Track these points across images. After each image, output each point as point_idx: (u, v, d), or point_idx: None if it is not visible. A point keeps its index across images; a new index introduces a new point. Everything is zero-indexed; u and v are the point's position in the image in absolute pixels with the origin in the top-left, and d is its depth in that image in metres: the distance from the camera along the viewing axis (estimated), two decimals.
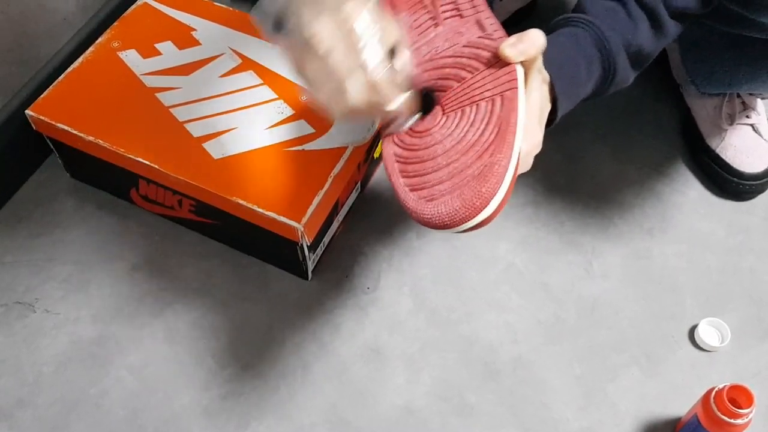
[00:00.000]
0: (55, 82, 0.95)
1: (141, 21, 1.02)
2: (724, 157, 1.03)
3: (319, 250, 0.95)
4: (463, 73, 0.63)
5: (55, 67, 1.02)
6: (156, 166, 0.88)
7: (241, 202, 0.86)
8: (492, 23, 0.66)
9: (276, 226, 0.86)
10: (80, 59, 0.98)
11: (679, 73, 1.11)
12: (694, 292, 0.96)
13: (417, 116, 0.64)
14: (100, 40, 1.00)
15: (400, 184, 0.62)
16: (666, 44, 0.76)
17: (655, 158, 1.08)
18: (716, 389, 0.76)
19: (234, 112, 0.93)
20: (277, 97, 0.95)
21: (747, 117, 1.04)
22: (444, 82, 0.64)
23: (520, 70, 0.61)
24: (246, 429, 0.85)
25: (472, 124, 0.60)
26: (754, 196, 1.05)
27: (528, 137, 0.61)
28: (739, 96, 1.05)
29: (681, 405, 0.86)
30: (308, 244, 0.88)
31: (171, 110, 0.93)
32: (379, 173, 1.05)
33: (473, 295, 0.95)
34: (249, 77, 0.97)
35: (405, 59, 0.60)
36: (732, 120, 1.04)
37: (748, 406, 0.74)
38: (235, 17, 1.03)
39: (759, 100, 1.06)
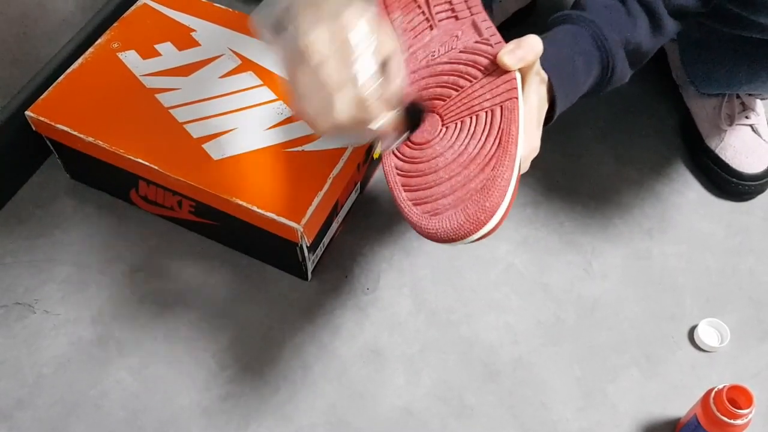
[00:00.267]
0: (55, 83, 0.95)
1: (141, 22, 1.02)
2: (723, 158, 1.03)
3: (319, 251, 0.95)
4: (462, 82, 0.63)
5: (55, 68, 1.02)
6: (156, 167, 0.88)
7: (241, 202, 0.86)
8: (488, 27, 0.65)
9: (275, 227, 0.86)
10: (80, 60, 0.98)
11: (678, 73, 1.11)
12: (694, 292, 0.96)
13: (405, 136, 0.63)
14: (99, 41, 1.00)
15: (403, 199, 0.61)
16: (664, 42, 0.76)
17: (654, 159, 1.08)
18: (716, 390, 0.76)
19: (233, 113, 0.93)
20: (276, 98, 0.95)
21: (746, 117, 1.04)
22: (442, 90, 0.64)
23: (518, 78, 0.61)
24: (246, 430, 0.85)
25: (472, 136, 0.60)
26: (753, 197, 1.05)
27: (527, 141, 0.61)
28: (738, 96, 1.05)
29: (680, 405, 0.86)
30: (308, 244, 0.88)
31: (171, 111, 0.93)
32: (378, 174, 1.05)
33: (473, 296, 0.95)
34: (249, 78, 0.97)
35: (397, 73, 0.59)
36: (731, 120, 1.04)
37: (748, 407, 0.74)
38: (235, 18, 1.03)
39: (758, 101, 1.06)
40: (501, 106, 0.60)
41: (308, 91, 0.57)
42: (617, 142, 1.10)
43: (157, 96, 0.95)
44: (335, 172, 0.88)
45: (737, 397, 0.75)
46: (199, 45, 1.00)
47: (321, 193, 0.86)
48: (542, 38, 0.62)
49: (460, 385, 0.88)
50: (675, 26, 0.75)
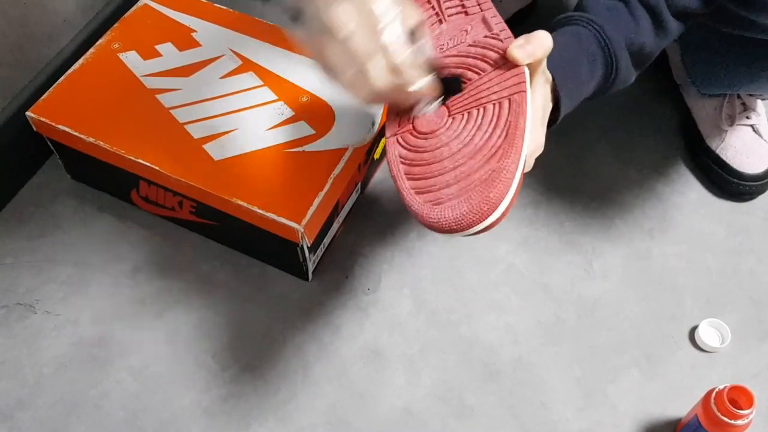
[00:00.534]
0: (56, 84, 0.95)
1: (141, 22, 1.02)
2: (724, 158, 1.03)
3: (320, 251, 0.95)
4: (470, 74, 0.63)
5: (56, 69, 1.02)
6: (156, 168, 0.88)
7: (242, 203, 0.86)
8: (498, 22, 0.65)
9: (276, 228, 0.86)
10: (81, 61, 0.98)
11: (679, 73, 1.11)
12: (694, 292, 0.96)
13: (439, 100, 0.63)
14: (100, 41, 1.00)
15: (406, 187, 0.61)
16: (668, 44, 0.76)
17: (655, 159, 1.08)
18: (716, 390, 0.76)
19: (234, 114, 0.93)
20: (277, 98, 0.95)
21: (747, 118, 1.04)
22: None
23: (527, 73, 0.60)
24: (246, 430, 0.85)
25: (479, 127, 0.60)
26: (754, 197, 1.05)
27: (532, 138, 0.61)
28: (739, 97, 1.05)
29: (681, 406, 0.86)
30: (308, 245, 0.88)
31: (171, 111, 0.93)
32: (379, 174, 1.05)
33: (473, 296, 0.95)
34: (249, 78, 0.97)
35: (426, 40, 0.60)
36: (732, 121, 1.04)
37: (749, 407, 0.74)
38: (236, 19, 1.03)
39: (759, 101, 1.06)
40: (509, 99, 0.59)
41: (340, 64, 0.57)
42: (618, 142, 1.10)
43: (158, 96, 0.95)
44: (336, 172, 0.88)
45: (738, 398, 0.75)
46: (200, 45, 1.00)
47: (322, 194, 0.86)
48: None
49: (460, 385, 0.88)
50: (678, 27, 0.75)
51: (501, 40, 0.63)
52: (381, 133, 0.94)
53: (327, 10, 0.56)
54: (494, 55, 0.62)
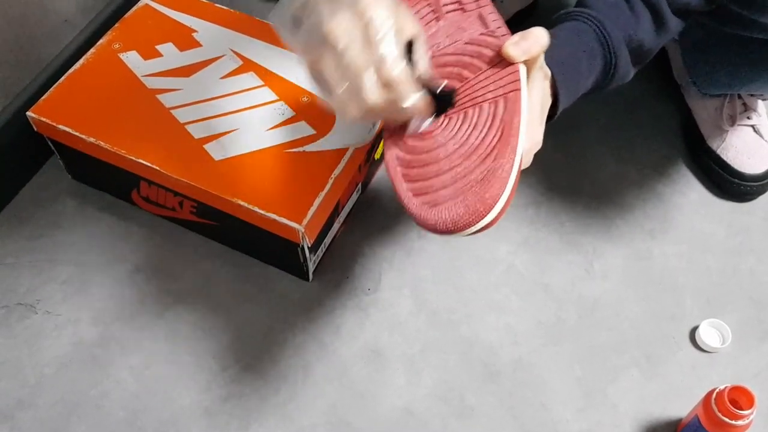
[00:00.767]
0: (56, 84, 0.95)
1: (142, 22, 1.02)
2: (725, 158, 1.03)
3: (320, 252, 0.95)
4: (466, 73, 0.63)
5: (56, 69, 1.02)
6: (157, 168, 0.88)
7: (242, 203, 0.86)
8: (495, 19, 0.65)
9: (277, 228, 0.86)
10: (81, 61, 0.98)
11: (680, 73, 1.11)
12: (695, 293, 0.96)
13: (432, 117, 0.62)
14: (101, 41, 1.00)
15: (403, 189, 0.61)
16: (667, 40, 0.76)
17: (655, 159, 1.08)
18: (717, 390, 0.76)
19: (235, 114, 0.93)
20: (277, 98, 0.95)
21: (748, 118, 1.04)
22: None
23: (523, 70, 0.60)
24: (247, 430, 0.85)
25: (474, 127, 0.60)
26: (754, 197, 1.05)
27: (529, 135, 0.61)
28: (740, 97, 1.05)
29: (681, 406, 0.86)
30: (309, 245, 0.88)
31: (172, 112, 0.93)
32: (380, 174, 1.05)
33: (474, 297, 0.95)
34: (250, 79, 0.97)
35: (423, 54, 0.59)
36: (733, 121, 1.04)
37: (749, 408, 0.74)
38: (236, 19, 1.03)
39: (760, 101, 1.06)
40: (504, 98, 0.59)
41: (335, 77, 0.57)
42: (618, 143, 1.10)
43: (159, 97, 0.95)
44: (337, 172, 0.88)
45: (738, 398, 0.75)
46: (201, 45, 1.00)
47: (322, 194, 0.86)
48: None
49: (460, 385, 0.88)
50: (678, 24, 0.75)
51: (497, 38, 0.62)
52: (382, 134, 0.94)
53: (325, 21, 0.56)
54: (490, 53, 0.62)
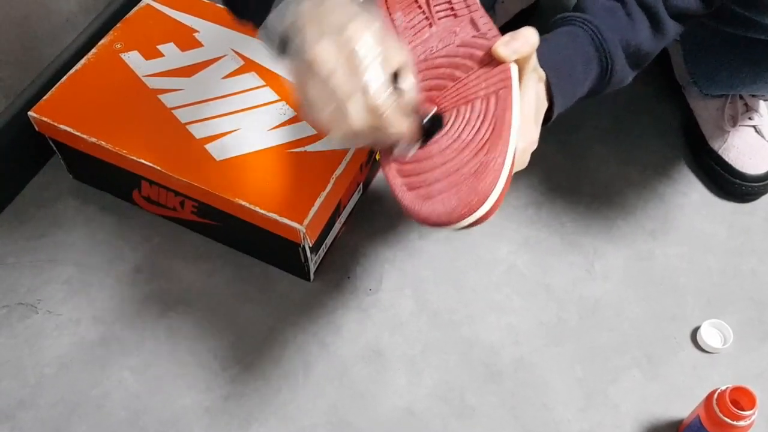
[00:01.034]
0: (58, 84, 0.96)
1: (143, 22, 1.03)
2: (726, 159, 1.03)
3: (321, 252, 0.95)
4: (458, 73, 0.64)
5: (58, 69, 1.02)
6: (158, 168, 0.88)
7: (243, 203, 0.86)
8: (486, 22, 0.66)
9: (278, 228, 0.86)
10: (83, 61, 0.98)
11: (681, 74, 1.11)
12: (696, 293, 0.96)
13: (419, 143, 0.63)
14: (102, 41, 1.00)
15: (397, 184, 0.62)
16: (666, 44, 0.76)
17: (657, 160, 1.08)
18: (718, 391, 0.76)
19: (236, 114, 0.93)
20: (279, 98, 0.95)
21: (749, 118, 1.04)
22: (438, 82, 0.64)
23: (514, 69, 0.61)
24: (248, 430, 0.85)
25: (467, 123, 0.60)
26: (756, 198, 1.05)
27: (524, 135, 0.61)
28: (741, 97, 1.05)
29: (683, 407, 0.86)
30: (310, 245, 0.88)
31: (173, 112, 0.93)
32: (381, 174, 1.05)
33: (475, 297, 0.95)
34: (251, 79, 0.97)
35: (409, 83, 0.59)
36: (734, 121, 1.04)
37: (751, 408, 0.74)
38: None
39: (761, 102, 1.06)
40: (496, 94, 0.60)
41: (320, 101, 0.57)
42: (619, 143, 1.10)
43: (160, 97, 0.95)
44: (338, 172, 0.88)
45: (740, 399, 0.75)
46: (202, 46, 1.00)
47: (323, 194, 0.86)
48: (542, 39, 0.62)
49: (461, 385, 0.88)
50: (677, 28, 0.75)
51: (488, 39, 0.64)
52: None
53: (310, 48, 0.56)
54: (481, 54, 0.63)
